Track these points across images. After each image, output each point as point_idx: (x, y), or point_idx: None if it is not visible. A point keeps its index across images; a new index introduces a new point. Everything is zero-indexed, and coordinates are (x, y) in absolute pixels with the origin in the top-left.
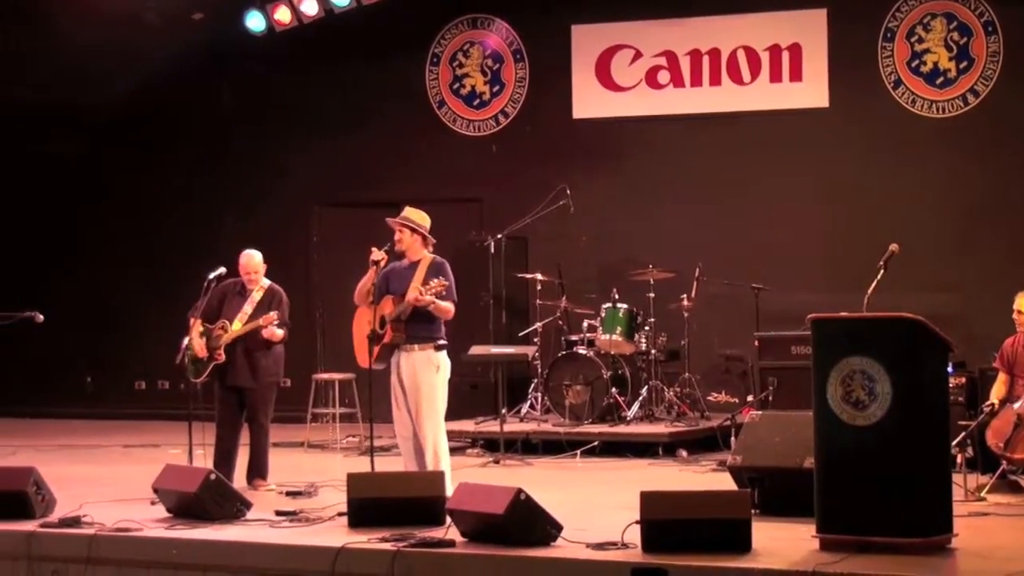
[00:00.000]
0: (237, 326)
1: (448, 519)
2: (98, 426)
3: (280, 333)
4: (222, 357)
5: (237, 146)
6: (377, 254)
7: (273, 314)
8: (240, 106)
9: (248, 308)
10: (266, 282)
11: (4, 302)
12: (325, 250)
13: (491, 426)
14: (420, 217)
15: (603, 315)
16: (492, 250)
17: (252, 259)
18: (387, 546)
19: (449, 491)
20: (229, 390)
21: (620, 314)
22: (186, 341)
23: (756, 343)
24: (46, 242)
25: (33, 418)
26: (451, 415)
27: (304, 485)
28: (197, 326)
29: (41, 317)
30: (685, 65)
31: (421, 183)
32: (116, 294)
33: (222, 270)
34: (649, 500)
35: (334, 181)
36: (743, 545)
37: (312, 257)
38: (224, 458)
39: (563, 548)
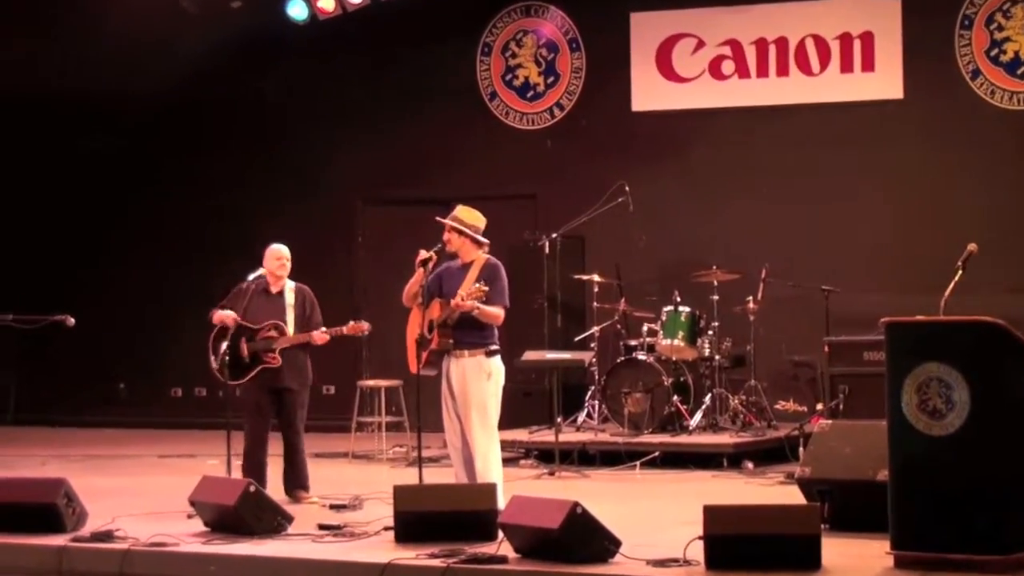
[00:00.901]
0: (292, 331)
1: (500, 534)
2: (132, 435)
3: (329, 339)
4: (277, 361)
5: (277, 141)
6: (424, 255)
7: (327, 331)
8: (280, 99)
9: (291, 313)
10: (290, 283)
11: (34, 304)
12: (371, 250)
13: (546, 436)
14: (472, 217)
15: (664, 319)
16: (547, 250)
17: (283, 251)
18: (436, 562)
19: (501, 504)
20: (267, 394)
21: (682, 318)
22: (224, 345)
23: (826, 348)
24: (77, 241)
25: (63, 427)
26: (504, 424)
27: (348, 498)
28: (231, 318)
29: (72, 321)
30: (751, 54)
31: (472, 179)
32: (152, 296)
33: (261, 271)
34: (713, 514)
35: (380, 177)
36: (812, 562)
37: (357, 257)
38: (257, 468)
39: (622, 565)
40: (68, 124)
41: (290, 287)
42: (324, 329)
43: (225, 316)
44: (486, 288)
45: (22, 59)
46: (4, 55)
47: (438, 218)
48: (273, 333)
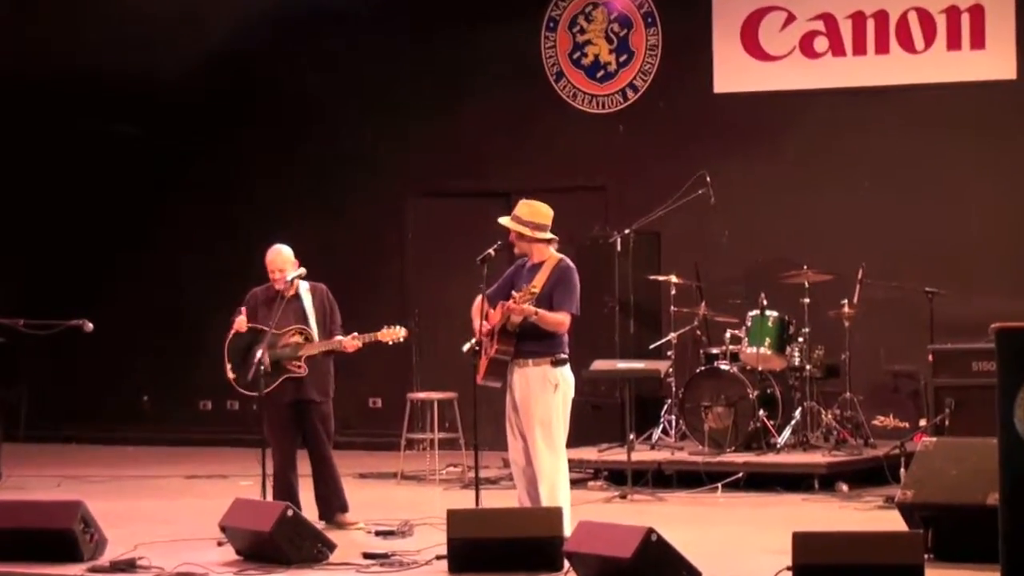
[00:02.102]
0: (316, 337)
1: (566, 564)
2: (156, 453)
3: (360, 344)
4: (304, 370)
5: (318, 129)
6: (242, 324)
7: (359, 336)
8: (321, 83)
9: (312, 317)
10: (305, 283)
11: (48, 308)
12: (422, 248)
13: (617, 454)
14: (534, 212)
15: (749, 324)
16: (618, 248)
17: (280, 254)
18: None
19: (568, 531)
20: (285, 407)
21: (769, 323)
22: (259, 353)
23: (930, 357)
24: (96, 239)
25: (81, 443)
26: (571, 441)
27: (397, 523)
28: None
29: (91, 326)
30: (846, 30)
31: (535, 169)
32: (178, 299)
33: (302, 271)
34: (803, 542)
35: (432, 168)
36: None
37: (407, 256)
38: (288, 491)
39: None
40: (83, 111)
41: (305, 288)
42: (356, 335)
43: (238, 321)
44: (536, 289)
45: (35, 39)
46: (14, 36)
47: (500, 220)
48: (298, 339)
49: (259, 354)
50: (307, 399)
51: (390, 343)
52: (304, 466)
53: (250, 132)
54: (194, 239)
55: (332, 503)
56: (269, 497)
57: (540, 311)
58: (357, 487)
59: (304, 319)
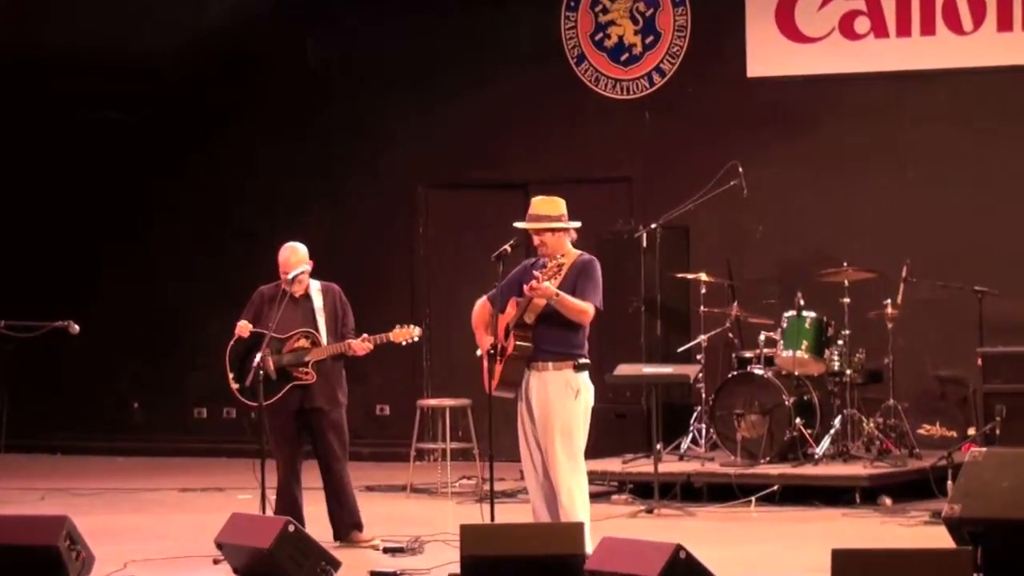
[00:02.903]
0: (325, 339)
1: None
2: (147, 464)
3: (371, 347)
4: (312, 376)
5: (324, 115)
6: (245, 329)
7: (368, 338)
8: (328, 65)
9: (320, 318)
10: (315, 283)
11: (33, 309)
12: (434, 244)
13: (642, 465)
14: (552, 207)
15: (785, 326)
16: (644, 243)
17: (295, 253)
18: None
19: (589, 548)
20: (294, 416)
21: (806, 324)
22: (258, 357)
23: (979, 361)
24: (83, 234)
25: (67, 454)
26: (593, 451)
27: (407, 540)
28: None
29: (77, 328)
30: (889, 10)
31: (555, 159)
32: (172, 300)
33: (306, 267)
34: (843, 560)
35: (446, 157)
36: None
37: (418, 252)
38: (292, 506)
39: None
40: (72, 97)
41: (316, 288)
42: (365, 336)
43: (239, 326)
44: (564, 260)
45: (20, 14)
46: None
47: (517, 224)
48: (304, 343)
49: (258, 358)
50: (314, 407)
51: (403, 344)
52: (312, 479)
53: (252, 119)
54: (189, 234)
55: (346, 519)
56: (270, 512)
57: (563, 294)
58: (364, 500)
59: (312, 321)
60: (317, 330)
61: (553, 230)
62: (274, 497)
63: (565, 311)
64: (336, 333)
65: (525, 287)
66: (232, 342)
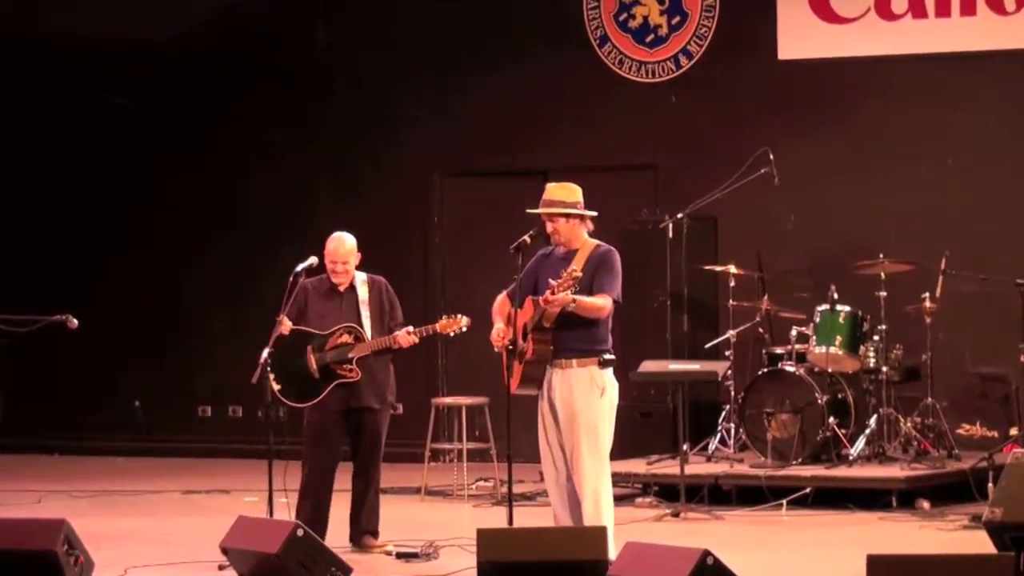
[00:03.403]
0: (370, 334)
1: None
2: (149, 465)
3: (417, 340)
4: (357, 374)
5: (336, 100)
6: (285, 326)
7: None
8: (340, 48)
9: (366, 312)
10: (361, 275)
11: (30, 304)
12: (450, 233)
13: (668, 467)
14: (566, 192)
15: (818, 320)
16: (670, 234)
17: (343, 244)
18: None
19: (612, 553)
20: (338, 417)
21: (840, 319)
22: (265, 353)
23: (1022, 358)
24: (82, 226)
25: (65, 454)
26: (617, 452)
27: (420, 545)
28: (288, 327)
29: (76, 322)
30: None
31: (576, 145)
32: (176, 293)
33: (313, 260)
34: (879, 566)
35: (462, 143)
36: None
37: (433, 242)
38: (319, 513)
39: None
40: (74, 79)
41: (361, 280)
42: (410, 329)
43: (281, 323)
44: (580, 274)
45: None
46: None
47: (530, 211)
48: (347, 339)
49: (265, 353)
50: (364, 406)
51: (451, 335)
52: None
53: (259, 106)
54: (194, 224)
55: (364, 525)
56: (280, 514)
57: (579, 297)
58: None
59: (356, 316)
60: (361, 325)
61: (567, 216)
62: (283, 500)
63: (583, 313)
64: (383, 328)
65: (540, 299)
66: (272, 340)
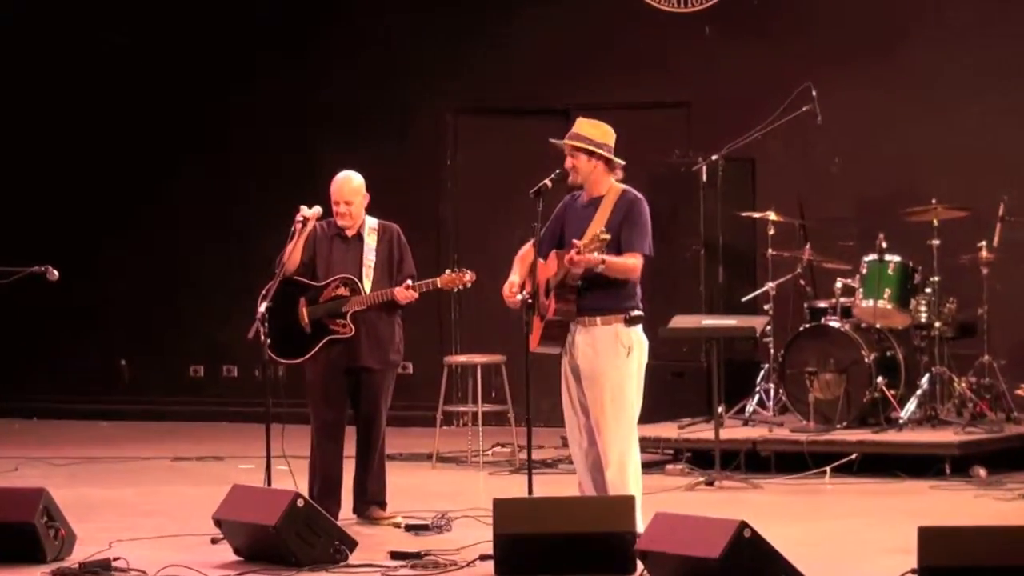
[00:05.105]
0: (367, 286)
1: (639, 564)
2: (136, 429)
3: (417, 295)
4: (350, 329)
5: (337, 29)
6: (306, 211)
7: (413, 285)
8: None
9: (370, 261)
10: (373, 220)
11: (8, 255)
12: (464, 176)
13: (702, 431)
14: (600, 132)
15: (864, 272)
16: (704, 177)
17: (350, 181)
18: None
19: (641, 526)
20: (339, 376)
21: (889, 270)
22: (263, 307)
23: None
24: (64, 171)
25: (45, 418)
26: (645, 416)
27: (431, 516)
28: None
29: (56, 274)
30: None
31: (601, 81)
32: (165, 242)
33: (318, 209)
34: (931, 539)
35: (476, 80)
36: None
37: (445, 187)
38: (332, 485)
39: None
40: (62, 15)
41: (371, 225)
42: (409, 283)
43: (308, 210)
44: (607, 236)
45: None
46: None
47: (553, 140)
48: (342, 291)
49: (262, 308)
50: (361, 366)
51: (454, 291)
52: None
53: (259, 39)
54: (184, 171)
55: (369, 495)
56: (279, 483)
57: (608, 258)
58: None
59: (358, 265)
60: (363, 275)
61: (590, 154)
62: (282, 467)
63: (612, 274)
64: (390, 281)
65: (565, 259)
66: (271, 293)
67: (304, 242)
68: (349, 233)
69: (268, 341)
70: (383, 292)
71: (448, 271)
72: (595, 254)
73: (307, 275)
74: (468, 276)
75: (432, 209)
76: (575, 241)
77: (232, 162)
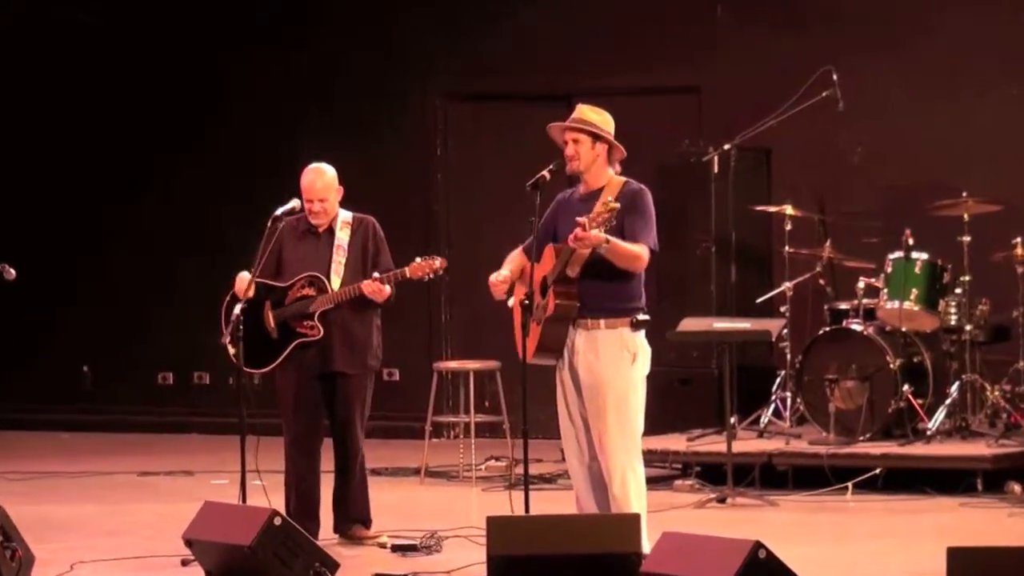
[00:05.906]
0: (336, 283)
1: None
2: (100, 441)
3: (388, 289)
4: (318, 332)
5: (323, 16)
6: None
7: (380, 277)
8: None
9: (340, 257)
10: (346, 214)
11: None
12: (455, 168)
13: (713, 444)
14: (603, 119)
15: (889, 271)
16: (715, 168)
17: (322, 176)
18: None
19: (646, 546)
20: (310, 382)
21: (916, 269)
22: (238, 308)
23: None
24: (26, 165)
25: (1, 429)
26: (650, 427)
27: (420, 535)
28: (246, 283)
29: (13, 273)
30: None
31: (604, 65)
32: (131, 238)
33: (295, 203)
34: (961, 561)
35: (468, 64)
36: None
37: (434, 178)
38: (308, 502)
39: None
40: None
41: (344, 219)
42: (377, 276)
43: (240, 280)
44: (617, 204)
45: None
46: None
47: (552, 125)
48: (308, 291)
49: (237, 308)
50: (334, 371)
51: (425, 279)
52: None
53: (238, 22)
54: (155, 160)
55: (350, 512)
56: (255, 500)
57: (614, 239)
58: (369, 486)
59: (327, 263)
60: (331, 272)
61: (595, 139)
62: (258, 483)
63: (616, 259)
64: (366, 276)
65: (569, 237)
66: (228, 298)
67: (267, 252)
68: (321, 229)
69: (230, 348)
70: (351, 288)
71: (418, 259)
72: (600, 231)
73: (274, 276)
74: (439, 262)
75: (421, 203)
76: (579, 219)
77: (203, 149)
